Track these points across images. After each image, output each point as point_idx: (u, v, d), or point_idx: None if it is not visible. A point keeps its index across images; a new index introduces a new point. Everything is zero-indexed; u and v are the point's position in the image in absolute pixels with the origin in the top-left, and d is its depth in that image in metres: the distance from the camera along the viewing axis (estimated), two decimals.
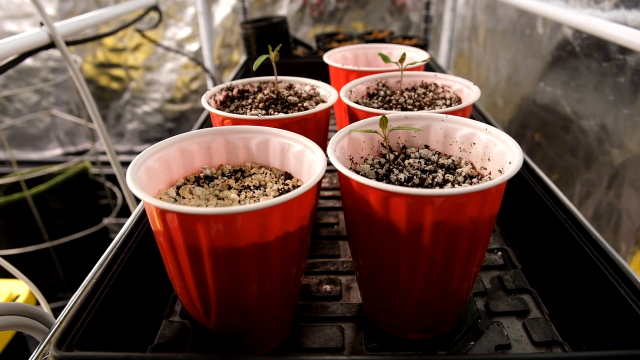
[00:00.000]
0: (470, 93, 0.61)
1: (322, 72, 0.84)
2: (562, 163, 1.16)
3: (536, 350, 0.46)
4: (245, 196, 0.44)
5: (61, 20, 0.91)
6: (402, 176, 0.44)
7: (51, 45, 0.83)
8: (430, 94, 0.65)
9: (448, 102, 0.61)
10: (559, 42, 1.16)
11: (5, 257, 0.68)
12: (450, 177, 0.44)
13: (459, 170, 0.46)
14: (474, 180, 0.45)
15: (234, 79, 1.22)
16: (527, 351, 0.46)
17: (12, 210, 1.52)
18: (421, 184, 0.43)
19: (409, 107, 0.60)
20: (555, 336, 0.47)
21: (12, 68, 0.76)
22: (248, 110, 0.59)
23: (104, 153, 2.04)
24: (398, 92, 0.65)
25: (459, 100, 0.62)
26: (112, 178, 1.95)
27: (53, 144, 2.32)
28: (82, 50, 2.13)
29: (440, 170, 0.46)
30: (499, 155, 0.45)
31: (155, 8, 1.29)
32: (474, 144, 0.48)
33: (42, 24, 0.81)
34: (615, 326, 0.42)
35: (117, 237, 0.58)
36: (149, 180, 0.43)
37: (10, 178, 1.54)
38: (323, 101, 0.62)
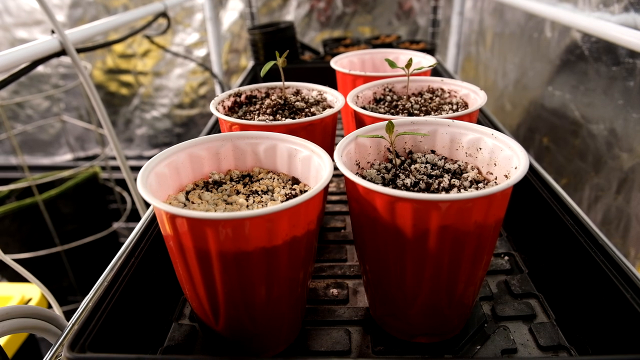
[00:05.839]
0: (476, 98, 0.61)
1: (329, 77, 0.84)
2: (571, 167, 1.16)
3: (542, 354, 0.46)
4: (254, 201, 0.44)
5: (71, 27, 0.93)
6: (408, 181, 0.44)
7: (62, 52, 0.84)
8: (437, 99, 0.65)
9: (454, 107, 0.62)
10: (567, 45, 1.16)
11: (17, 261, 0.69)
12: (456, 182, 0.44)
13: (465, 175, 0.46)
14: (480, 185, 0.45)
15: (242, 84, 1.23)
16: (534, 355, 0.46)
17: (24, 215, 1.54)
18: (427, 189, 0.44)
19: (416, 112, 0.60)
20: (562, 340, 0.47)
21: (24, 75, 0.78)
22: (256, 116, 0.59)
23: (113, 158, 2.06)
24: (405, 97, 0.65)
25: (465, 105, 0.63)
26: (121, 183, 1.96)
27: (64, 149, 2.35)
28: (91, 56, 2.15)
29: (446, 175, 0.46)
30: (505, 160, 0.45)
31: (163, 14, 1.30)
32: (480, 149, 0.48)
33: (53, 32, 0.82)
34: (622, 331, 0.42)
35: (128, 241, 0.59)
36: (159, 185, 0.44)
37: (22, 183, 1.56)
38: (330, 106, 0.63)
